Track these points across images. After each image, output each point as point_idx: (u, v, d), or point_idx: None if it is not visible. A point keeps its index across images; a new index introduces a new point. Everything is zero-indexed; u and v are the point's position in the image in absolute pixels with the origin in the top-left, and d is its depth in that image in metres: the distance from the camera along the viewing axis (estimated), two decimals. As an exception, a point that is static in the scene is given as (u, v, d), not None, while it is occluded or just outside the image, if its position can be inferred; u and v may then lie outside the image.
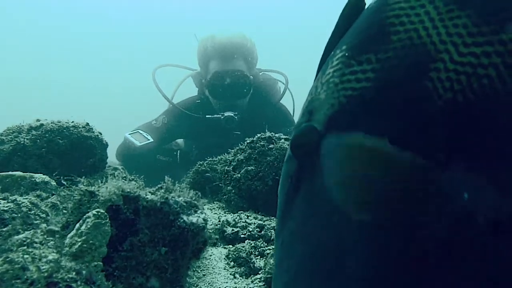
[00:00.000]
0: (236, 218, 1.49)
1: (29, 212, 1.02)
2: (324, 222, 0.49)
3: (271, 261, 1.16)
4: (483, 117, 0.37)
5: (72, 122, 1.78)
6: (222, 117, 2.82)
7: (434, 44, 0.42)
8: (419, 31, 0.43)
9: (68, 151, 1.71)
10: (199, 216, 1.09)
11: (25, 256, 0.79)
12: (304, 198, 0.52)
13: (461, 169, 0.39)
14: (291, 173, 0.53)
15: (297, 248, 0.52)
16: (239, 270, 1.24)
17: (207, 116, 2.87)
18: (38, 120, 1.76)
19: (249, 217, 1.51)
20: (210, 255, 1.32)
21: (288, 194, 0.54)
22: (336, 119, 0.47)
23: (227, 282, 1.18)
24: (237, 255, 1.28)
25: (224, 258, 1.30)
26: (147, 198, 1.02)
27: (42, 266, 0.78)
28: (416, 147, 0.40)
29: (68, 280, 0.78)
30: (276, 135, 1.79)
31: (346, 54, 0.47)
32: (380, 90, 0.43)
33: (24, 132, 1.69)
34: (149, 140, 2.74)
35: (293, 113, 3.26)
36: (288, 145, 1.79)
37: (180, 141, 3.32)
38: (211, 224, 1.47)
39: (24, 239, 0.86)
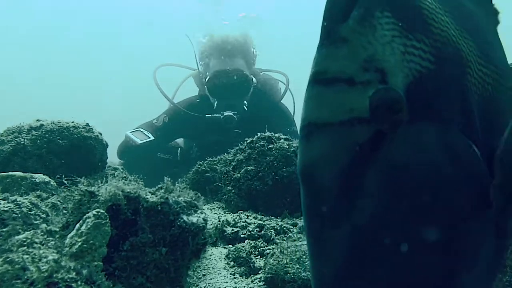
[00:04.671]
0: (236, 218, 1.50)
1: (29, 212, 1.03)
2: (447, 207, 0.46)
3: (271, 260, 1.16)
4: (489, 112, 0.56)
5: (72, 122, 1.78)
6: (221, 117, 2.83)
7: (464, 53, 0.55)
8: (450, 36, 0.55)
9: (68, 152, 1.71)
10: (199, 216, 1.09)
11: (25, 256, 0.79)
12: (393, 174, 0.46)
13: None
14: (362, 140, 0.46)
15: (398, 233, 0.45)
16: (239, 270, 1.25)
17: (207, 115, 2.88)
18: (38, 120, 1.76)
19: (249, 217, 1.51)
20: (210, 255, 1.32)
21: (351, 167, 0.46)
22: (414, 93, 0.47)
23: (227, 282, 1.18)
24: (237, 255, 1.28)
25: (224, 258, 1.31)
26: (147, 198, 1.03)
27: (42, 266, 0.78)
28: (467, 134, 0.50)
29: (68, 280, 0.78)
30: (276, 135, 1.79)
31: (400, 24, 0.51)
32: (442, 78, 0.51)
33: (24, 132, 1.69)
34: (150, 138, 2.75)
35: (294, 113, 3.26)
36: (288, 144, 1.79)
37: (179, 140, 3.32)
38: (211, 224, 1.47)
39: (24, 239, 0.86)
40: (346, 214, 0.46)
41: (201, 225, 1.07)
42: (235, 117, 2.83)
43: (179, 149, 3.09)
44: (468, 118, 0.51)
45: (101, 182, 1.04)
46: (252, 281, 1.19)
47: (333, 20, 0.50)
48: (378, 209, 0.46)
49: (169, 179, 1.15)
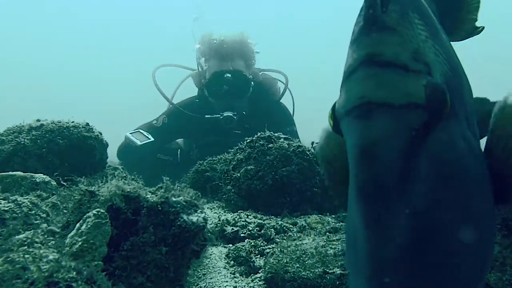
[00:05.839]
0: (236, 217, 1.50)
1: (29, 212, 1.03)
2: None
3: (271, 260, 1.16)
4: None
5: (72, 122, 1.78)
6: (221, 117, 2.83)
7: (461, 70, 0.65)
8: (452, 52, 0.63)
9: (68, 151, 1.71)
10: (199, 216, 1.09)
11: (26, 256, 0.79)
12: (435, 164, 0.50)
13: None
14: (417, 126, 0.49)
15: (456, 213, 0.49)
16: (239, 269, 1.25)
17: (206, 116, 2.88)
18: (38, 120, 1.76)
19: (249, 216, 1.51)
20: (210, 254, 1.32)
21: (409, 150, 0.49)
22: (449, 91, 0.52)
23: (227, 281, 1.18)
24: (237, 254, 1.28)
25: (224, 257, 1.31)
26: (148, 198, 1.03)
27: (43, 265, 0.78)
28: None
29: (68, 279, 0.78)
30: (276, 134, 1.79)
31: (428, 29, 0.57)
32: (456, 85, 0.58)
33: (24, 132, 1.69)
34: (149, 139, 2.75)
35: (293, 112, 3.26)
36: (288, 144, 1.79)
37: (180, 140, 3.32)
38: (211, 224, 1.47)
39: (24, 239, 0.86)
40: (407, 198, 0.48)
41: (201, 224, 1.07)
42: (235, 117, 2.83)
43: (179, 150, 3.09)
44: (468, 124, 0.59)
45: (101, 182, 1.04)
46: (252, 280, 1.19)
47: (377, 9, 0.52)
48: (431, 195, 0.49)
49: (168, 178, 1.15)
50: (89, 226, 0.88)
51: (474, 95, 0.77)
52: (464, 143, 0.55)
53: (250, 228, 1.42)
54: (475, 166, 0.55)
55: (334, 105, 0.55)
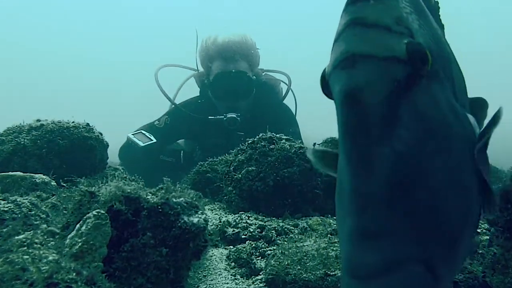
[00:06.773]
0: (237, 218, 1.49)
1: (29, 212, 1.02)
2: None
3: (272, 261, 1.16)
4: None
5: (73, 122, 1.78)
6: (224, 119, 2.82)
7: (448, 49, 0.71)
8: (439, 33, 0.68)
9: (68, 152, 1.70)
10: (200, 217, 1.08)
11: (25, 256, 0.78)
12: (418, 117, 0.54)
13: None
14: (399, 77, 0.53)
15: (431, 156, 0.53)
16: (240, 271, 1.24)
17: (209, 117, 2.87)
18: (38, 120, 1.76)
19: (250, 218, 1.51)
20: (211, 256, 1.31)
21: (392, 96, 0.53)
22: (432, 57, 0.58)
23: (227, 283, 1.17)
24: (238, 256, 1.28)
25: (225, 259, 1.30)
26: (148, 199, 1.02)
27: (42, 266, 0.77)
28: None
29: (68, 280, 0.77)
30: (277, 135, 1.78)
31: (413, 6, 0.62)
32: (441, 60, 0.63)
33: (24, 132, 1.69)
34: (152, 140, 2.73)
35: (295, 113, 3.25)
36: (289, 145, 1.78)
37: (181, 141, 3.31)
38: (212, 225, 1.47)
39: (24, 239, 0.86)
40: (388, 139, 0.52)
41: (201, 226, 1.07)
42: (238, 119, 2.82)
43: (181, 152, 3.08)
44: (456, 98, 0.65)
45: (102, 183, 1.04)
46: (253, 282, 1.18)
47: None
48: (412, 140, 0.53)
49: (169, 179, 1.14)
50: (89, 227, 0.88)
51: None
52: (448, 106, 0.60)
53: (251, 230, 1.42)
54: (459, 128, 0.60)
55: (324, 70, 0.60)
